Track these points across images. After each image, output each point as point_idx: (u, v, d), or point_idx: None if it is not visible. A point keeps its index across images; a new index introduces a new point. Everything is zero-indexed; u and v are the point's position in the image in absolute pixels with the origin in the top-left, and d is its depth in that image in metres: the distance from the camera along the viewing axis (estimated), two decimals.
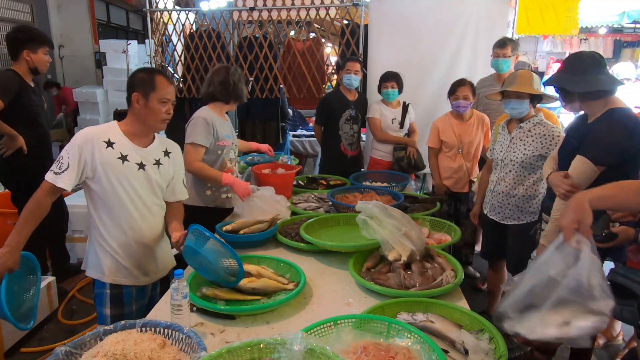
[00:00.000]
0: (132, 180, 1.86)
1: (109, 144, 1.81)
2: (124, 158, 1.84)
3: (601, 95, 2.03)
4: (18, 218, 3.41)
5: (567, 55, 11.39)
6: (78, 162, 1.76)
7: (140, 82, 1.84)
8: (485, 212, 2.83)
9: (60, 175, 1.75)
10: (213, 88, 2.71)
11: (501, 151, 2.66)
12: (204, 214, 2.64)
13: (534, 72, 2.73)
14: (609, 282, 1.75)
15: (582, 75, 2.02)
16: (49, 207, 1.79)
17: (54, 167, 1.77)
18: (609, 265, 2.60)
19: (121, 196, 1.85)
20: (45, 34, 3.26)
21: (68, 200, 3.64)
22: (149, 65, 5.09)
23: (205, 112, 2.65)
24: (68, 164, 1.75)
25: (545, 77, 4.55)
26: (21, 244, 1.74)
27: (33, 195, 1.77)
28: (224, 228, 2.26)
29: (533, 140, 2.51)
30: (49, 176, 1.76)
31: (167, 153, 2.01)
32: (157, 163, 1.95)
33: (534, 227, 2.52)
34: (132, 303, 1.95)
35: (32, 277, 1.93)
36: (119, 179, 1.83)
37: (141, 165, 1.89)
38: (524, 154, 2.52)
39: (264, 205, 2.47)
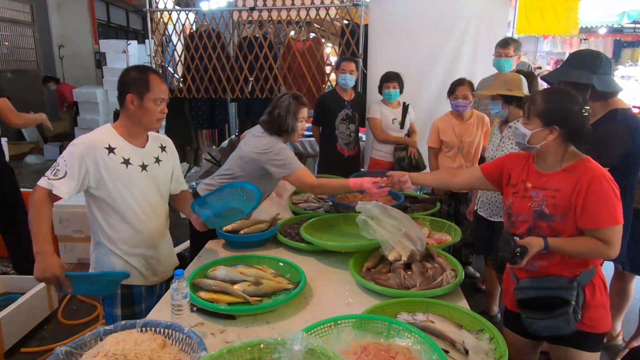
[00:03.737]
0: (138, 183, 1.86)
1: (110, 149, 1.79)
2: (127, 162, 1.82)
3: (611, 96, 2.02)
4: None
5: (567, 55, 11.40)
6: (78, 171, 1.71)
7: (134, 82, 1.80)
8: (476, 209, 2.87)
9: (57, 182, 1.68)
10: (264, 117, 2.49)
11: (492, 150, 2.71)
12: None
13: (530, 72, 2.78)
14: (519, 300, 1.66)
15: (603, 75, 1.98)
16: (50, 207, 1.73)
17: (48, 173, 1.71)
18: (609, 265, 2.60)
19: (128, 201, 1.84)
20: None
21: (68, 201, 3.63)
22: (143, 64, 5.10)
23: (279, 141, 2.45)
24: (65, 172, 1.69)
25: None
26: (48, 242, 1.67)
27: (30, 202, 1.70)
28: (224, 228, 2.26)
29: None
30: (42, 182, 1.69)
31: (163, 148, 2.02)
32: (157, 160, 1.96)
33: None
34: (142, 302, 1.96)
35: None
36: (125, 184, 1.82)
37: (143, 167, 1.88)
38: (510, 153, 2.54)
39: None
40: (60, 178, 1.69)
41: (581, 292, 1.59)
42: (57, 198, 1.72)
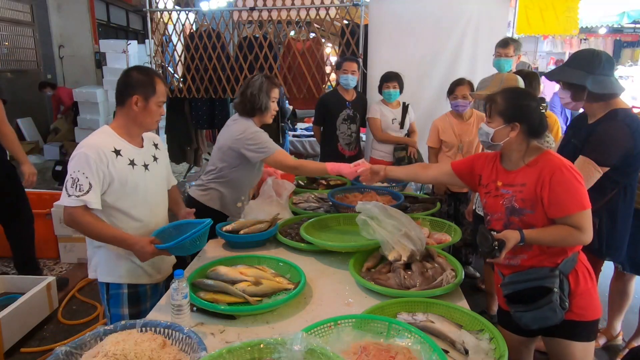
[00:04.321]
0: (143, 183, 1.87)
1: (117, 152, 1.78)
2: (132, 163, 1.83)
3: (610, 98, 2.02)
4: None
5: (567, 55, 11.40)
6: (98, 178, 1.70)
7: (141, 84, 1.80)
8: (474, 208, 2.87)
9: (87, 195, 1.67)
10: (236, 99, 2.56)
11: None
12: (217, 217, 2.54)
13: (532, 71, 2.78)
14: (506, 295, 1.70)
15: (600, 76, 1.97)
16: (92, 215, 1.71)
17: (72, 191, 1.67)
18: (609, 265, 2.60)
19: (136, 201, 1.85)
20: None
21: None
22: (145, 65, 5.09)
23: (252, 124, 2.49)
24: (90, 184, 1.68)
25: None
26: (128, 236, 1.74)
27: (74, 226, 1.70)
28: (224, 228, 2.26)
29: None
30: (70, 201, 1.66)
31: (156, 146, 2.03)
32: (155, 158, 1.97)
33: None
34: (147, 301, 1.97)
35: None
36: (133, 186, 1.82)
37: (146, 166, 1.89)
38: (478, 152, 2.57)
39: (264, 205, 2.50)
40: (88, 191, 1.68)
41: (565, 280, 1.62)
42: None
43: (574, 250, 1.66)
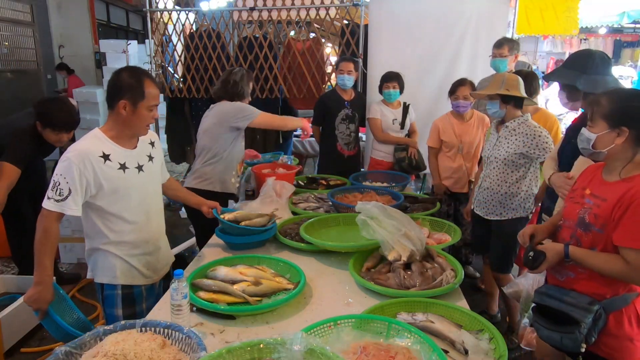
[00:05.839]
0: (137, 186, 1.86)
1: (105, 157, 1.76)
2: (123, 167, 1.81)
3: None
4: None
5: (567, 55, 11.40)
6: (80, 184, 1.69)
7: (129, 88, 1.75)
8: (472, 208, 2.88)
9: (65, 202, 1.67)
10: (217, 88, 2.99)
11: (488, 149, 2.73)
12: (220, 199, 2.84)
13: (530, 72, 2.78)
14: (534, 301, 1.61)
15: (593, 75, 1.97)
16: (58, 231, 1.73)
17: (51, 194, 1.68)
18: None
19: (130, 204, 1.84)
20: (67, 118, 2.91)
21: None
22: (145, 65, 5.09)
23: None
24: (69, 190, 1.67)
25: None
26: (50, 275, 1.72)
27: (37, 225, 1.69)
28: (225, 216, 2.23)
29: (516, 139, 2.56)
30: (50, 205, 1.68)
31: (152, 143, 2.00)
32: (150, 158, 1.96)
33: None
34: (142, 302, 1.96)
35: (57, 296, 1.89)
36: (125, 189, 1.81)
37: (139, 168, 1.88)
38: (506, 152, 2.58)
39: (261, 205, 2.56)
40: (67, 197, 1.68)
41: (604, 317, 1.49)
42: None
43: (630, 291, 1.51)
